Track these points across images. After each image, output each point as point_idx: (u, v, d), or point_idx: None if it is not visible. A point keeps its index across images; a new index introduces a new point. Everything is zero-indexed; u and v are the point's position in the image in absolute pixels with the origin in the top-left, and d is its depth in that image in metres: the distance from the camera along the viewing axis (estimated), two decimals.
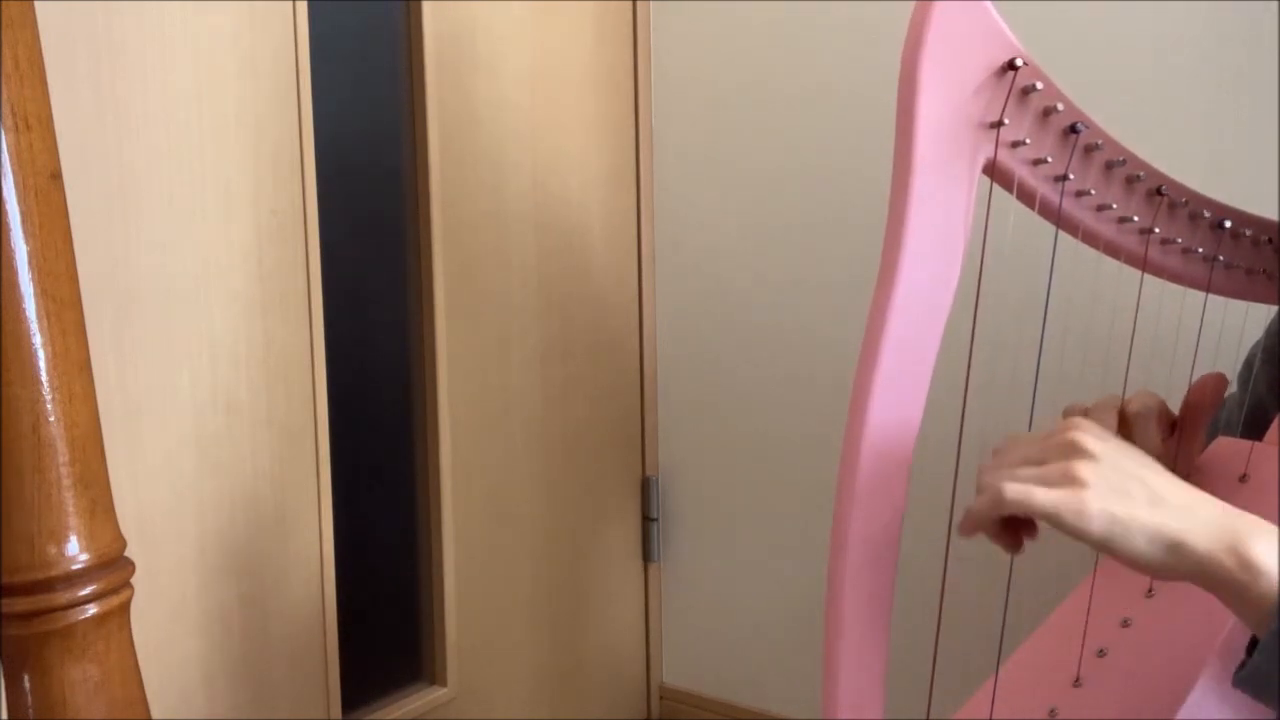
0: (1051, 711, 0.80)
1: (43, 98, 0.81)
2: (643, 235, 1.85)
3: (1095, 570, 0.88)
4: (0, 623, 0.81)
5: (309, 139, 1.37)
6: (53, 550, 0.81)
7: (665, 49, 1.82)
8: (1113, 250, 0.82)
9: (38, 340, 0.80)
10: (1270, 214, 0.88)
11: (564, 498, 1.76)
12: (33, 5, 0.80)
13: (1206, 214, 0.84)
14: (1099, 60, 1.43)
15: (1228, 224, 0.85)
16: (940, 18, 0.68)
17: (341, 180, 1.44)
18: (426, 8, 1.50)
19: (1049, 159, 0.75)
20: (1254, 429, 1.00)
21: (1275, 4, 1.31)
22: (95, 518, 0.83)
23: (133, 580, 0.87)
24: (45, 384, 0.81)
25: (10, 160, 0.78)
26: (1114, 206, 0.80)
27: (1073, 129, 0.75)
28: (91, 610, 0.83)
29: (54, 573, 0.81)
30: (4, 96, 0.77)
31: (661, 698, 1.95)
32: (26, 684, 0.82)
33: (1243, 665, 0.68)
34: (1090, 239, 0.80)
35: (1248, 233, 0.87)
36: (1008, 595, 0.76)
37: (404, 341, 1.56)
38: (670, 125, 1.83)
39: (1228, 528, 0.66)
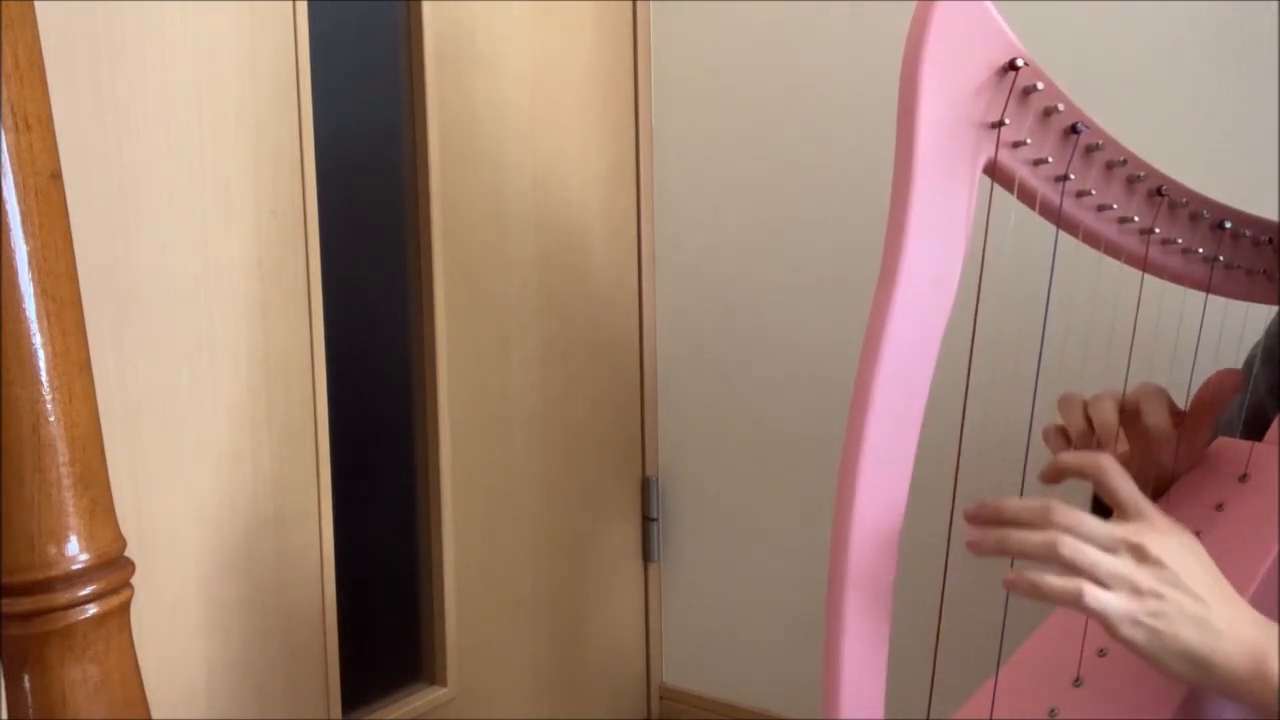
0: (1052, 711, 0.80)
1: (43, 98, 0.81)
2: (643, 235, 1.85)
3: None
4: (0, 623, 0.81)
5: (309, 139, 1.37)
6: (53, 550, 0.81)
7: (665, 49, 1.81)
8: (1113, 250, 0.82)
9: (38, 340, 0.80)
10: (1270, 214, 0.88)
11: (564, 498, 1.76)
12: (33, 5, 0.80)
13: (1207, 214, 0.84)
14: (1100, 60, 1.43)
15: (1228, 224, 0.85)
16: (941, 17, 0.68)
17: (341, 180, 1.44)
18: (426, 7, 1.50)
19: (1050, 159, 0.75)
20: (1254, 430, 1.00)
21: (1275, 4, 1.31)
22: (95, 518, 0.83)
23: (133, 580, 0.87)
24: (45, 384, 0.81)
25: (10, 160, 0.78)
26: (1115, 207, 0.80)
27: (1073, 129, 0.75)
28: (91, 610, 0.83)
29: (54, 573, 0.81)
30: (4, 96, 0.77)
31: (661, 698, 1.95)
32: (26, 684, 0.82)
33: None
34: (1091, 239, 0.80)
35: (1248, 233, 0.87)
36: (1008, 595, 0.76)
37: (404, 341, 1.56)
38: (670, 125, 1.83)
39: (1257, 647, 0.70)
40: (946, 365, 0.75)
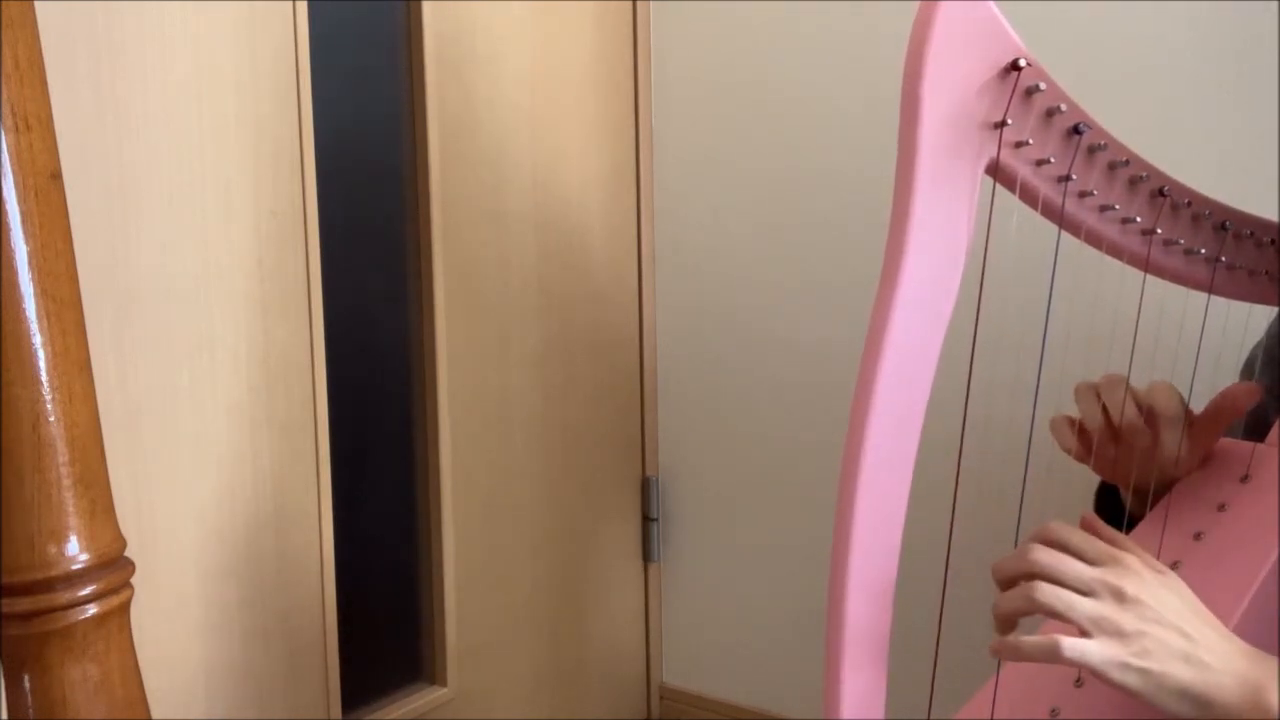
0: (1053, 711, 0.79)
1: (43, 98, 0.81)
2: (643, 235, 1.85)
3: None
4: (0, 623, 0.81)
5: (309, 139, 1.36)
6: (53, 550, 0.81)
7: (665, 49, 1.81)
8: (1115, 251, 0.82)
9: (38, 340, 0.80)
10: (1271, 214, 0.88)
11: (564, 498, 1.76)
12: (33, 5, 0.80)
13: (1209, 215, 0.84)
14: (1102, 61, 1.43)
15: (1230, 225, 0.85)
16: (945, 18, 0.68)
17: (341, 180, 1.44)
18: (426, 7, 1.50)
19: (1052, 160, 0.75)
20: (1255, 431, 1.00)
21: (1275, 4, 1.31)
22: (95, 518, 0.83)
23: (133, 580, 0.87)
24: (45, 384, 0.81)
25: (10, 160, 0.78)
26: (1117, 207, 0.79)
27: (1076, 130, 0.75)
28: (91, 610, 0.83)
29: (54, 573, 0.81)
30: (4, 96, 0.77)
31: (661, 698, 1.95)
32: (26, 684, 0.82)
33: None
34: (1093, 240, 0.80)
35: (1250, 234, 0.87)
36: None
37: (404, 341, 1.56)
38: (670, 125, 1.83)
39: (1252, 681, 0.70)
40: (948, 365, 0.75)
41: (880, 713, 0.76)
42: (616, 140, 1.80)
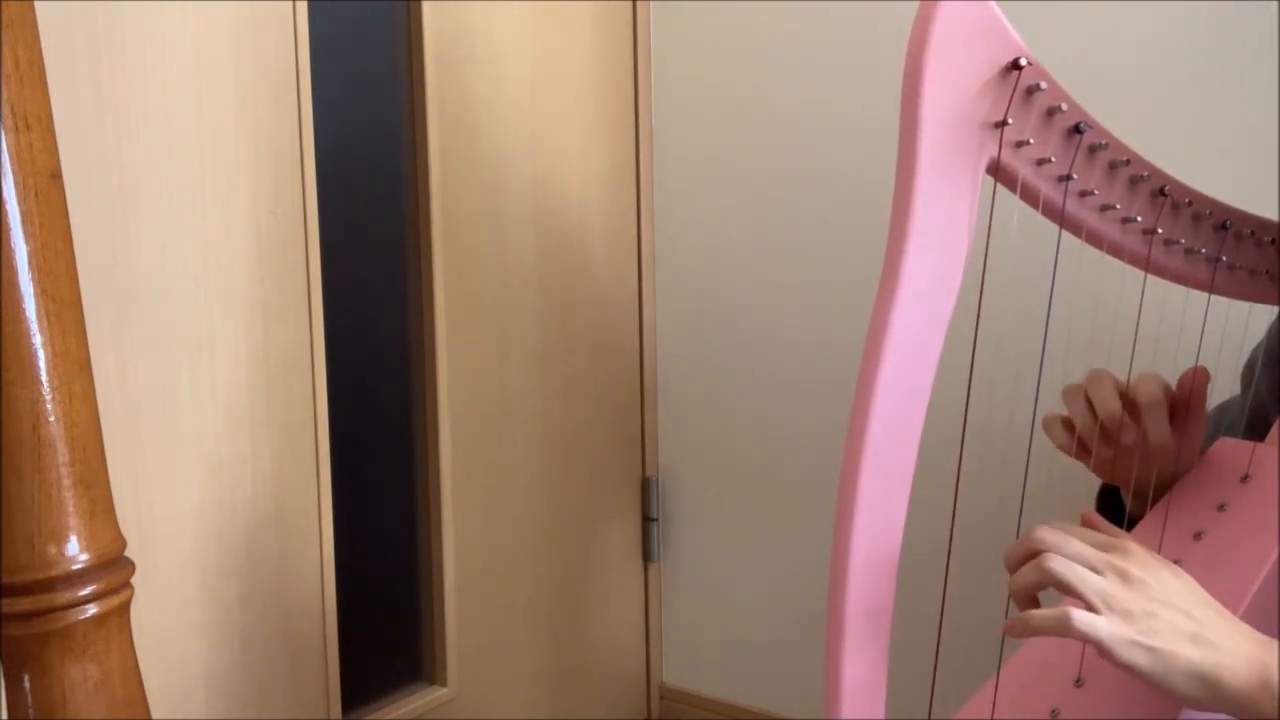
0: (1053, 711, 0.80)
1: (43, 98, 0.81)
2: (643, 235, 1.85)
3: None
4: (0, 623, 0.81)
5: (309, 139, 1.36)
6: (53, 550, 0.81)
7: (665, 49, 1.81)
8: (1116, 251, 0.82)
9: (38, 340, 0.80)
10: (1271, 214, 0.88)
11: (564, 498, 1.76)
12: (33, 5, 0.80)
13: (1210, 215, 0.84)
14: (1102, 60, 1.43)
15: (1230, 225, 0.85)
16: (945, 17, 0.68)
17: (341, 180, 1.44)
18: (426, 8, 1.50)
19: (1053, 159, 0.75)
20: (1255, 431, 1.00)
21: (1275, 4, 1.31)
22: (95, 518, 0.83)
23: (133, 580, 0.87)
24: (45, 384, 0.81)
25: (10, 160, 0.78)
26: (1117, 207, 0.79)
27: (1076, 129, 0.75)
28: (91, 610, 0.83)
29: (54, 573, 0.81)
30: (4, 96, 0.77)
31: (661, 698, 1.95)
32: (26, 684, 0.82)
33: None
34: (1093, 239, 0.80)
35: (1250, 234, 0.87)
36: (1009, 594, 0.76)
37: (404, 341, 1.56)
38: (670, 125, 1.83)
39: (1259, 661, 0.70)
40: (948, 365, 0.75)
41: (881, 713, 0.76)
42: (616, 140, 1.80)
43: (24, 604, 0.81)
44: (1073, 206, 0.78)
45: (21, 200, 0.79)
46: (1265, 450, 0.93)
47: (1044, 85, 0.72)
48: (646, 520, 1.90)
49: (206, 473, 1.30)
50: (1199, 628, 0.70)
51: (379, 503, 1.55)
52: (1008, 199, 0.76)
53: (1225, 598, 0.80)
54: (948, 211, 0.72)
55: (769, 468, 1.78)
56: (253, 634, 1.36)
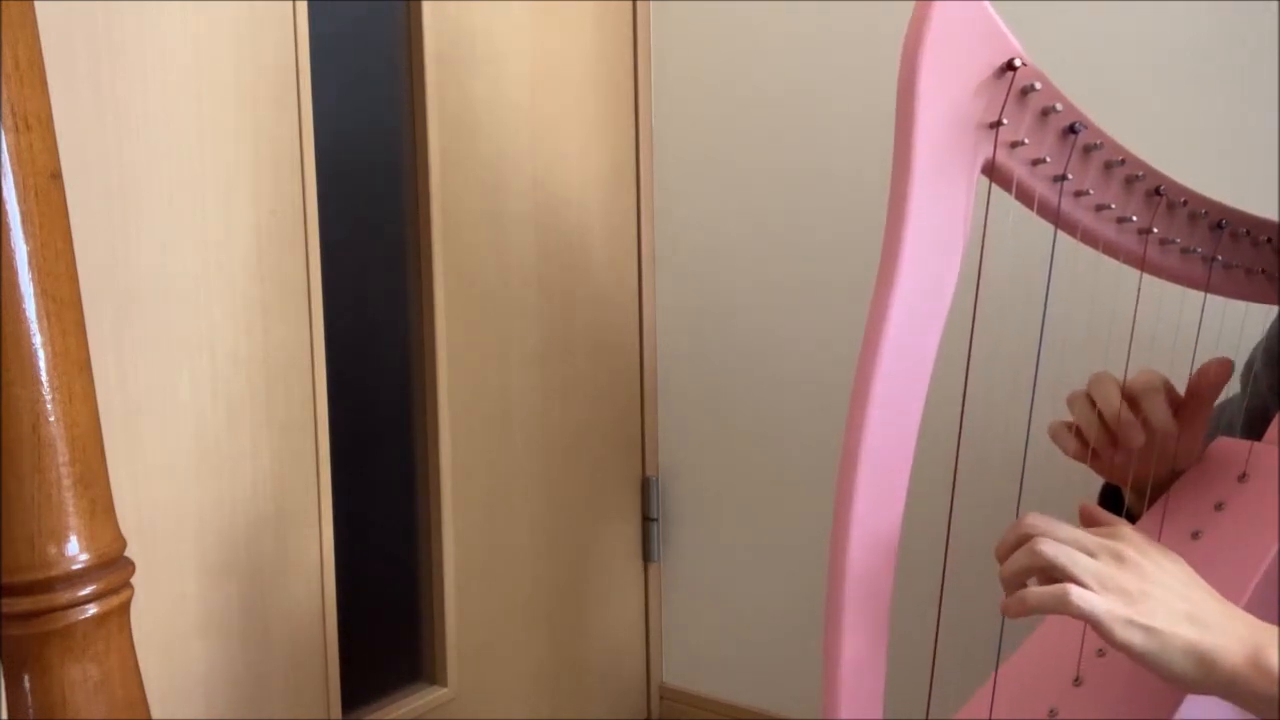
0: (1051, 711, 0.80)
1: (43, 98, 0.81)
2: (643, 235, 1.85)
3: None
4: (0, 623, 0.81)
5: (309, 139, 1.37)
6: (53, 550, 0.81)
7: (665, 49, 1.82)
8: (1112, 250, 0.82)
9: (38, 340, 0.80)
10: (1270, 214, 0.88)
11: (564, 498, 1.76)
12: (33, 5, 0.80)
13: (1205, 214, 0.84)
14: (1098, 60, 1.43)
15: (1226, 224, 0.85)
16: (939, 18, 0.68)
17: (341, 180, 1.44)
18: (426, 8, 1.50)
19: (1048, 159, 0.75)
20: (1254, 429, 1.00)
21: (1275, 4, 1.31)
22: (95, 518, 0.83)
23: (133, 580, 0.87)
24: (45, 384, 0.81)
25: (10, 160, 0.78)
26: (1113, 206, 0.80)
27: (1071, 129, 0.75)
28: (91, 610, 0.83)
29: (54, 573, 0.81)
30: (4, 96, 0.77)
31: (661, 698, 1.95)
32: (26, 684, 0.82)
33: None
34: (1089, 239, 0.80)
35: (1246, 232, 0.87)
36: (1001, 582, 0.76)
37: (404, 341, 1.56)
38: (670, 125, 1.83)
39: (1253, 642, 0.69)
40: (945, 364, 0.75)
41: (879, 713, 0.76)
42: (616, 140, 1.80)
43: (24, 604, 0.81)
44: (1068, 206, 0.78)
45: (21, 200, 0.79)
46: (1263, 449, 0.93)
47: (1039, 86, 0.72)
48: (646, 520, 1.90)
49: (206, 472, 1.30)
50: (1194, 608, 0.70)
51: (379, 503, 1.55)
52: (1003, 199, 0.76)
53: (1223, 597, 0.81)
54: (943, 212, 0.72)
55: (769, 468, 1.78)
56: (253, 634, 1.36)
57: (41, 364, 0.80)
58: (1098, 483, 1.05)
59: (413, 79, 1.51)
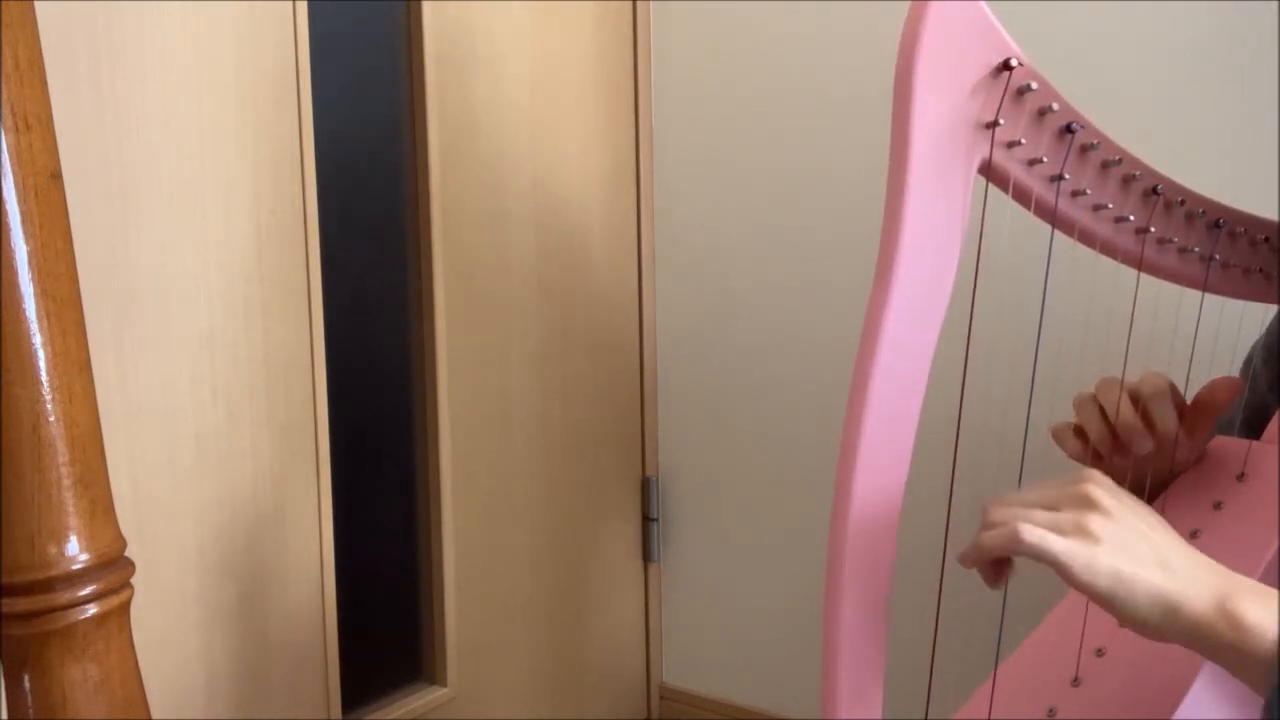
0: (1050, 711, 0.80)
1: (43, 98, 0.81)
2: (643, 235, 1.85)
3: None
4: (0, 623, 0.81)
5: (309, 139, 1.37)
6: (53, 550, 0.81)
7: (665, 49, 1.82)
8: (1109, 250, 0.82)
9: (38, 340, 0.80)
10: (1270, 214, 0.88)
11: (564, 498, 1.76)
12: (33, 5, 0.80)
13: (1203, 213, 0.84)
14: (1095, 60, 1.43)
15: (1224, 223, 0.85)
16: (935, 18, 0.68)
17: (341, 180, 1.44)
18: (426, 8, 1.50)
19: (1045, 159, 0.75)
20: (1254, 428, 1.00)
21: (1275, 4, 1.31)
22: (95, 518, 0.83)
23: (133, 580, 0.87)
24: (45, 384, 0.81)
25: (10, 160, 0.78)
26: (1110, 206, 0.80)
27: (1068, 129, 0.75)
28: (91, 610, 0.83)
29: (54, 573, 0.81)
30: (4, 96, 0.78)
31: (661, 698, 1.95)
32: (26, 684, 0.82)
33: None
34: (1087, 238, 0.80)
35: (1244, 232, 0.87)
36: (1006, 595, 0.76)
37: (404, 341, 1.56)
38: (670, 125, 1.83)
39: (1221, 590, 0.67)
40: (943, 364, 0.75)
41: (878, 713, 0.76)
42: (616, 140, 1.80)
43: (24, 604, 0.81)
44: (1065, 206, 0.78)
45: (21, 200, 0.79)
46: (1261, 449, 0.93)
47: (1035, 85, 0.72)
48: (646, 520, 1.90)
49: (206, 472, 1.30)
50: (1161, 553, 0.68)
51: (379, 503, 1.55)
52: (1000, 199, 0.76)
53: None
54: (940, 212, 0.72)
55: (769, 468, 1.78)
56: (253, 634, 1.36)
57: (41, 364, 0.80)
58: None
59: (413, 79, 1.52)
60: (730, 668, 1.88)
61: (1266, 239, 0.88)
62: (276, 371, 1.36)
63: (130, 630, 0.87)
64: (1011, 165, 0.75)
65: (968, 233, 0.74)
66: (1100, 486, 0.71)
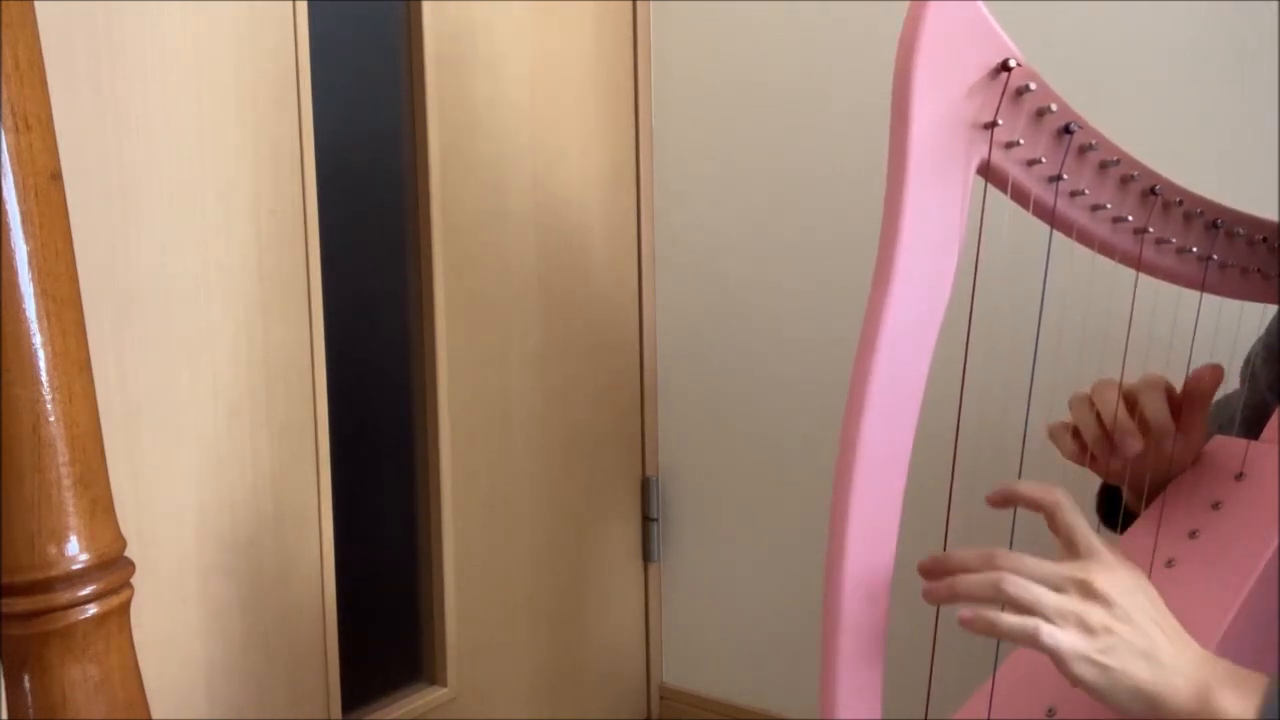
0: (1050, 711, 0.80)
1: (43, 98, 0.81)
2: (643, 235, 1.85)
3: None
4: (0, 623, 0.81)
5: (309, 139, 1.37)
6: (53, 550, 0.81)
7: (665, 49, 1.82)
8: (1107, 250, 0.82)
9: (38, 340, 0.80)
10: (1270, 214, 0.88)
11: (564, 498, 1.76)
12: (33, 5, 0.80)
13: (1201, 213, 0.84)
14: (1094, 61, 1.43)
15: (1222, 224, 0.85)
16: (934, 19, 0.68)
17: (341, 180, 1.44)
18: (426, 8, 1.50)
19: (1043, 159, 0.75)
20: (1253, 427, 1.00)
21: (1275, 4, 1.31)
22: (95, 518, 0.83)
23: (133, 580, 0.87)
24: (45, 384, 0.81)
25: (10, 160, 0.78)
26: (1108, 206, 0.80)
27: (1066, 129, 0.75)
28: (91, 610, 0.83)
29: (54, 573, 0.81)
30: (4, 96, 0.78)
31: (661, 698, 1.95)
32: (26, 684, 0.82)
33: None
34: (1085, 239, 0.80)
35: (1242, 232, 0.87)
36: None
37: (404, 341, 1.56)
38: (670, 125, 1.83)
39: (1201, 682, 0.70)
40: (942, 365, 0.75)
41: (878, 713, 0.76)
42: (616, 140, 1.80)
43: (24, 604, 0.81)
44: (1063, 206, 0.78)
45: (21, 200, 0.79)
46: (1260, 448, 0.93)
47: (1033, 86, 0.72)
48: (646, 520, 1.90)
49: (206, 472, 1.30)
50: (1153, 647, 0.71)
51: (379, 503, 1.55)
52: (999, 199, 0.76)
53: (1221, 595, 0.81)
54: (939, 213, 0.72)
55: (769, 468, 1.78)
56: (253, 634, 1.36)
57: (41, 364, 0.81)
58: (1095, 481, 1.05)
59: (413, 79, 1.52)
60: (730, 668, 1.88)
61: (1264, 239, 0.88)
62: (276, 371, 1.36)
63: (130, 630, 0.87)
64: (1010, 165, 0.75)
65: (966, 232, 0.74)
66: (1103, 574, 0.73)
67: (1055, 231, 0.79)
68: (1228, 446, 0.95)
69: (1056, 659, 0.70)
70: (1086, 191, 0.78)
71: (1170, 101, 1.39)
